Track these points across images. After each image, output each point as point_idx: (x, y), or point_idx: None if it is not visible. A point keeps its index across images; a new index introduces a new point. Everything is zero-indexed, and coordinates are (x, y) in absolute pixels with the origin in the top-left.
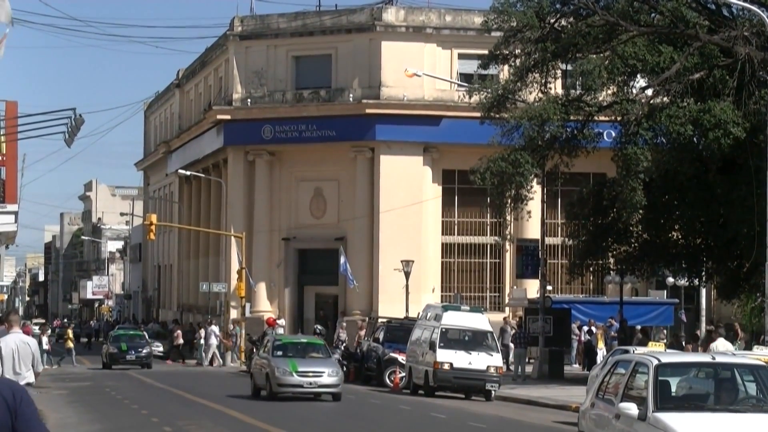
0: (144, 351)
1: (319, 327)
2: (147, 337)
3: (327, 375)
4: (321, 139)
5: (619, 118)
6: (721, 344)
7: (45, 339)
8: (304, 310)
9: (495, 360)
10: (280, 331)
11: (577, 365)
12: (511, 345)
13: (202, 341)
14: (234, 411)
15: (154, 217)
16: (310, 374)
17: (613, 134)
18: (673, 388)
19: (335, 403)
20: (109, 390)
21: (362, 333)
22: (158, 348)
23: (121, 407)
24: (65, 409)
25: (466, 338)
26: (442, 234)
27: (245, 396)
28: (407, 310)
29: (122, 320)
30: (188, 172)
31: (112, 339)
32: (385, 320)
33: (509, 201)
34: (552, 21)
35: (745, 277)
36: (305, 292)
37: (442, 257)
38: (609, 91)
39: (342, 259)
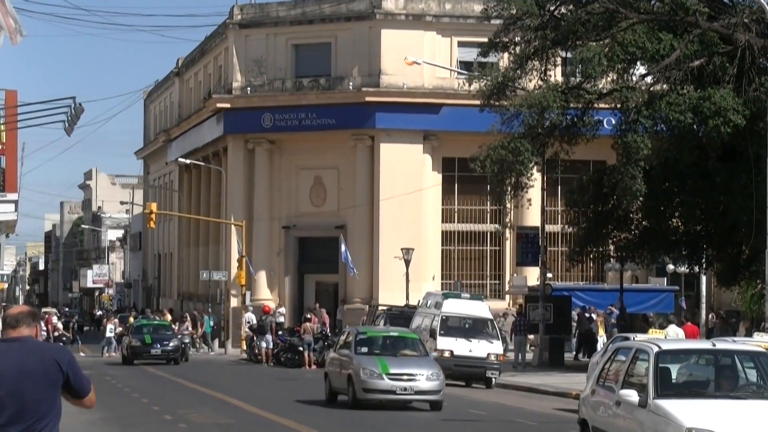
0: (171, 344)
1: (308, 316)
2: (174, 327)
3: (425, 378)
4: (321, 127)
5: (618, 106)
6: (671, 331)
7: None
8: (304, 298)
9: (495, 347)
10: (281, 319)
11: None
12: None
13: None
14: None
15: (154, 206)
16: (404, 377)
17: (613, 122)
18: (674, 375)
19: (432, 412)
20: (110, 378)
21: (364, 319)
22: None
23: (122, 396)
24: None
25: (467, 326)
26: (442, 222)
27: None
28: (407, 298)
29: (123, 309)
30: (188, 161)
31: (133, 330)
32: (385, 308)
33: (509, 189)
34: (552, 8)
35: (745, 264)
36: (305, 280)
37: (442, 245)
38: (609, 79)
39: (342, 247)
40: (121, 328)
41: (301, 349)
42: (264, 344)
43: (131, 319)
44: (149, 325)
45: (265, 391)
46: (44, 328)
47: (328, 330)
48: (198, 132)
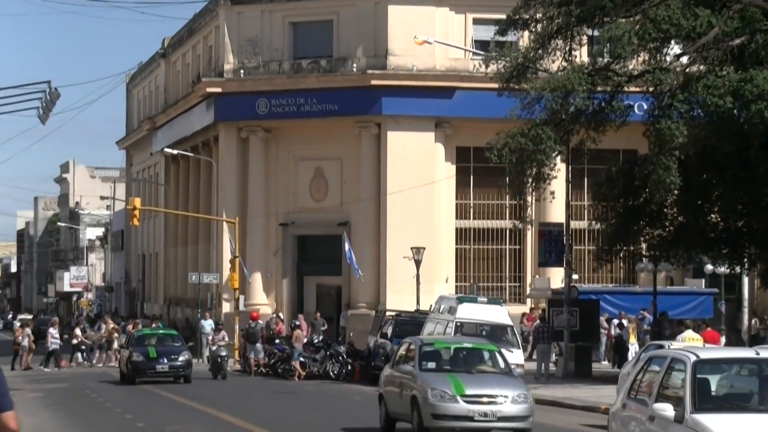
0: (181, 358)
1: (296, 322)
2: (182, 338)
3: (510, 401)
4: (322, 113)
5: (651, 89)
6: (689, 335)
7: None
8: (304, 302)
9: (516, 357)
10: (281, 326)
11: (606, 362)
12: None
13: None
14: None
15: (137, 201)
16: (484, 399)
17: (645, 107)
18: (713, 387)
19: None
20: (90, 392)
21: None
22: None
23: (103, 411)
24: (41, 412)
25: (484, 333)
26: (456, 218)
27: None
28: (418, 303)
29: (103, 315)
30: (175, 151)
31: (134, 341)
32: (393, 314)
33: (530, 180)
34: None
35: None
36: (305, 282)
37: (457, 244)
38: (640, 59)
39: (346, 247)
40: (84, 336)
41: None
42: (254, 354)
43: (109, 325)
44: (153, 335)
45: (295, 412)
46: (56, 335)
47: (318, 337)
48: (186, 119)
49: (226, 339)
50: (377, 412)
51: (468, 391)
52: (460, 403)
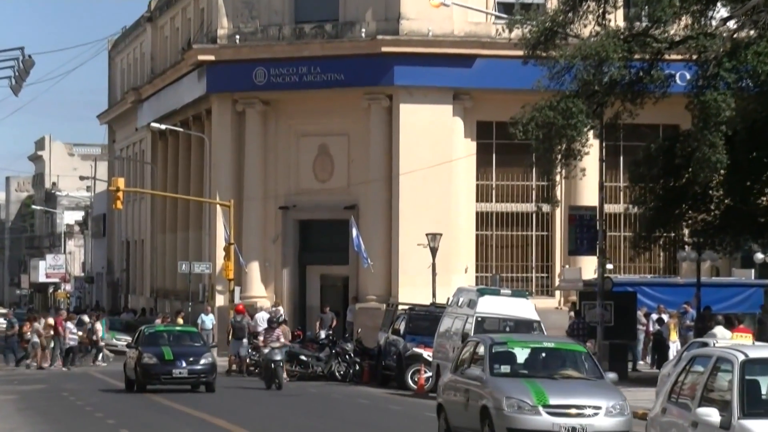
0: (203, 361)
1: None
2: (203, 337)
3: (604, 413)
4: (326, 84)
5: (694, 57)
6: (719, 333)
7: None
8: (306, 295)
9: None
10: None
11: (644, 362)
12: None
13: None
14: None
15: (121, 182)
16: (572, 411)
17: (688, 77)
18: (764, 390)
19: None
20: (68, 395)
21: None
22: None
23: (83, 415)
24: (15, 417)
25: (507, 329)
26: (477, 201)
27: None
28: (434, 295)
29: (84, 309)
30: (163, 126)
31: (145, 339)
32: (406, 308)
33: (559, 158)
34: None
35: None
36: (308, 273)
37: (477, 229)
38: (682, 24)
39: (353, 233)
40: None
41: (304, 358)
42: (242, 351)
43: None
44: (169, 332)
45: (295, 417)
46: (74, 330)
47: (327, 333)
48: (175, 91)
49: (282, 339)
50: (389, 416)
51: (552, 401)
52: (542, 415)
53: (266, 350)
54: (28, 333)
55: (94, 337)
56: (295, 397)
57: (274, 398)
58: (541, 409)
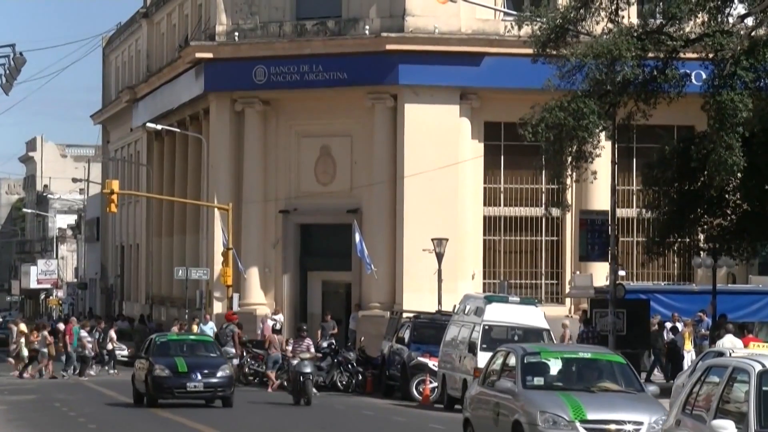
0: (220, 374)
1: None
2: (219, 346)
3: (646, 429)
4: (329, 83)
5: (711, 55)
6: (728, 342)
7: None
8: (307, 302)
9: None
10: (278, 327)
11: (657, 372)
12: None
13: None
14: None
15: (116, 184)
16: (612, 427)
17: (704, 76)
18: None
19: None
20: (60, 405)
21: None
22: (122, 351)
23: (76, 427)
24: (4, 427)
25: (516, 338)
26: (484, 204)
27: None
28: (440, 303)
29: (77, 316)
30: (159, 127)
31: (157, 349)
32: (411, 315)
33: (569, 160)
34: None
35: None
36: (309, 279)
37: (485, 234)
38: (698, 21)
39: (356, 237)
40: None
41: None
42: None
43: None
44: (182, 341)
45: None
46: (89, 339)
47: (328, 341)
48: (172, 89)
49: (312, 350)
50: (394, 428)
51: (590, 416)
52: (579, 430)
53: (294, 361)
54: (36, 342)
55: (109, 346)
56: (320, 408)
57: (297, 414)
58: (578, 424)
